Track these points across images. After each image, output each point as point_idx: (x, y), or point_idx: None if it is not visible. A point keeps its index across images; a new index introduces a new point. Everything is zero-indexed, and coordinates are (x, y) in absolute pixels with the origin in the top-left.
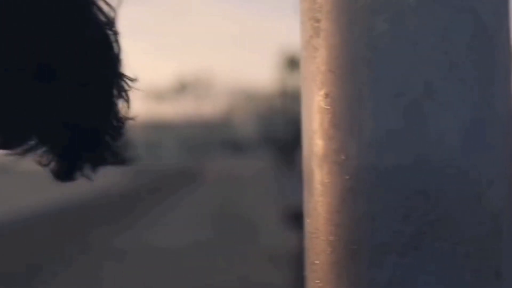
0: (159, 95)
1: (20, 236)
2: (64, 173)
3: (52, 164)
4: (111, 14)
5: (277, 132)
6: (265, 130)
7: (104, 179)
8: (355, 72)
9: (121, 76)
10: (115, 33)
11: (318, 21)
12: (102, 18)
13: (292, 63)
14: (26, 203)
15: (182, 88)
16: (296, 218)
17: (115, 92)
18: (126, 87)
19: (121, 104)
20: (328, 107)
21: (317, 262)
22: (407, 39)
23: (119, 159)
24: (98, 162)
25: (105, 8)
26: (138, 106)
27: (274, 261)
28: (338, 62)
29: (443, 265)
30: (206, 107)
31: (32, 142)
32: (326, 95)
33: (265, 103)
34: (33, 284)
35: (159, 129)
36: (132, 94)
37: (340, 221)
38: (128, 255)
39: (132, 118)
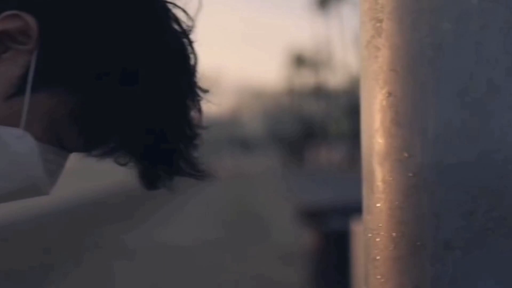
0: None
1: (30, 234)
2: (148, 182)
3: (135, 172)
4: (189, 23)
5: (285, 130)
6: (273, 128)
7: (113, 177)
8: (418, 71)
9: (196, 86)
10: (191, 42)
11: (380, 21)
12: (177, 27)
13: (299, 61)
14: (36, 202)
15: None
16: (306, 216)
17: (189, 101)
18: (199, 98)
19: (194, 114)
20: (391, 105)
21: (379, 258)
22: (470, 39)
23: (195, 170)
24: (174, 171)
25: (181, 16)
26: None
27: (285, 259)
28: (400, 62)
29: (506, 262)
30: (213, 105)
31: (111, 145)
32: (389, 94)
33: (273, 101)
34: (44, 282)
35: None
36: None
37: (403, 218)
38: (138, 253)
39: (205, 128)
